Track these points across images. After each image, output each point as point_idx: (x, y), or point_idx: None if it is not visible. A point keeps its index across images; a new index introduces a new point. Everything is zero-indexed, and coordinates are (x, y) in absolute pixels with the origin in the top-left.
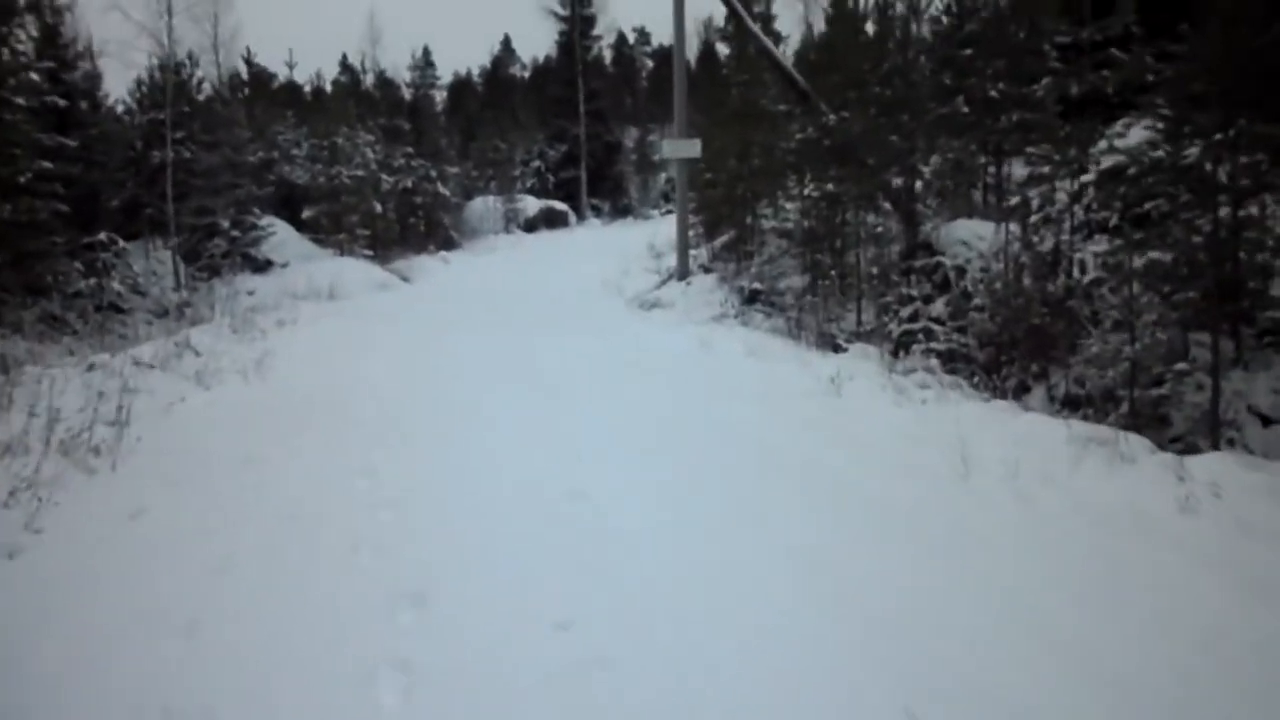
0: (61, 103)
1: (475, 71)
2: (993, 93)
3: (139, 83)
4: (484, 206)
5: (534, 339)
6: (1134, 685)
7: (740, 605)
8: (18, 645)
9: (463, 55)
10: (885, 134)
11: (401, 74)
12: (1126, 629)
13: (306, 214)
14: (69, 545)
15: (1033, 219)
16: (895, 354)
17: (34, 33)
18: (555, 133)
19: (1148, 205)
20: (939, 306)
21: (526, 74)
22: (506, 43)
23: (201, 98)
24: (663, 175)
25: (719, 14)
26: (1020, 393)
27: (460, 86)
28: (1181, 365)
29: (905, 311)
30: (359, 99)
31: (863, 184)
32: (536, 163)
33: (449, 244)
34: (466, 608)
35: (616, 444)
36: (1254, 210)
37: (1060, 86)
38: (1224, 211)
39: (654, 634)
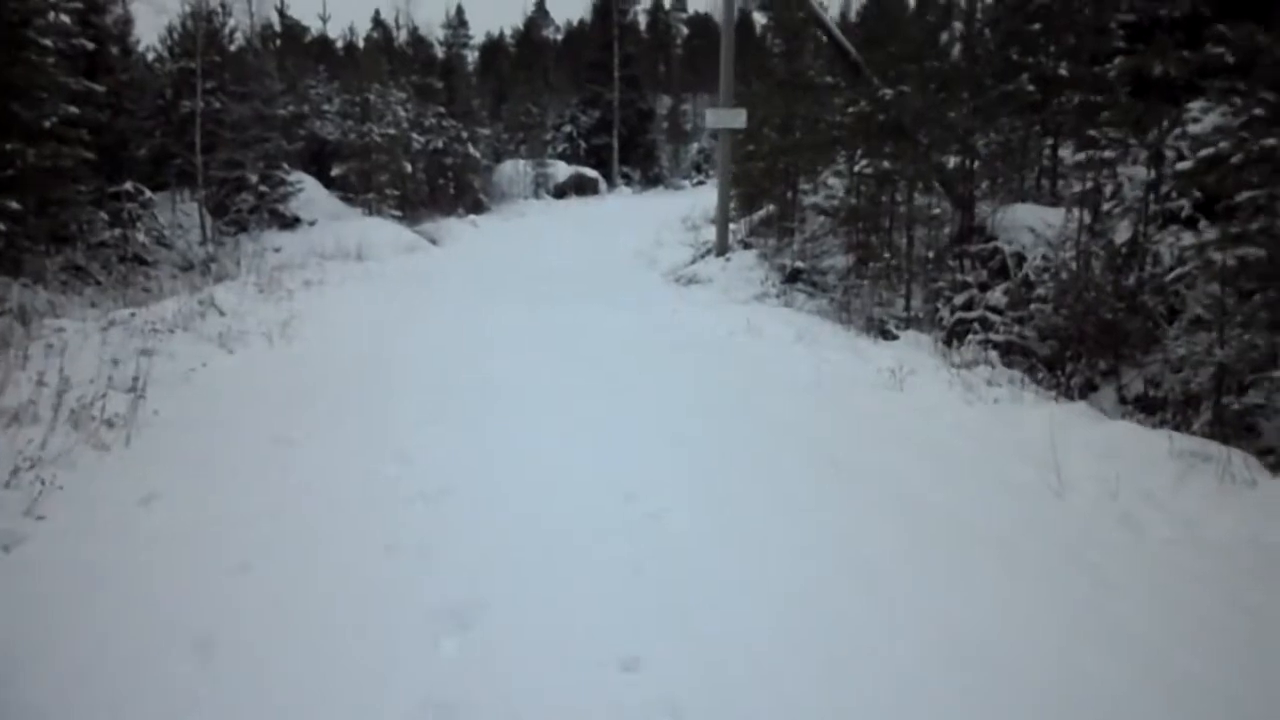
0: (90, 46)
1: (508, 32)
2: (1062, 70)
3: (170, 30)
4: (514, 170)
5: (570, 313)
6: None
7: (819, 644)
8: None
9: (495, 16)
10: (944, 111)
11: (435, 32)
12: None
13: (336, 171)
14: (73, 537)
15: (1106, 206)
16: (948, 343)
17: None
18: (588, 98)
19: (1241, 196)
20: (997, 295)
21: (559, 37)
22: (540, 4)
23: (233, 48)
24: (694, 145)
25: None
26: (1087, 391)
27: (492, 47)
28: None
29: (959, 299)
30: (391, 56)
31: (919, 162)
32: (568, 128)
33: (478, 207)
34: (517, 637)
35: (667, 441)
36: None
37: (1140, 64)
38: None
39: (728, 675)
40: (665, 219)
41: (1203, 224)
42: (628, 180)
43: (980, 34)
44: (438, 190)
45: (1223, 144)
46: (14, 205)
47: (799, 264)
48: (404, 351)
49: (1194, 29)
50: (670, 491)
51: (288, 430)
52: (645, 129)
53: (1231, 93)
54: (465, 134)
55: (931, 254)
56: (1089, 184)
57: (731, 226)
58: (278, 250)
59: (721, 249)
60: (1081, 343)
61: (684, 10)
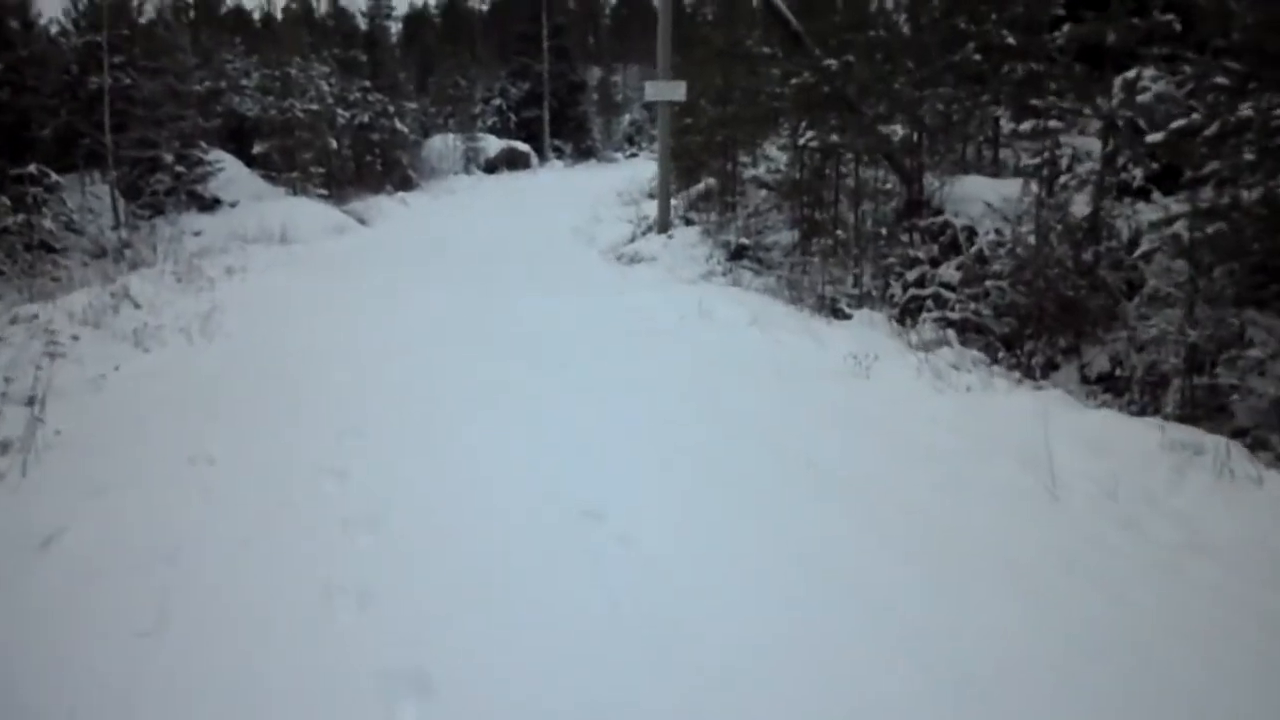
0: None
1: (432, 3)
2: (1010, 40)
3: (74, 1)
4: (443, 145)
5: (511, 297)
6: None
7: (811, 673)
8: None
9: None
10: (890, 81)
11: (356, 3)
12: None
13: (257, 149)
14: None
15: (1063, 178)
16: (901, 321)
17: None
18: (517, 69)
19: (1208, 168)
20: (950, 271)
21: (485, 7)
22: None
23: (143, 21)
24: (626, 117)
25: None
26: (1048, 370)
27: (417, 18)
28: (1255, 352)
29: (911, 275)
30: (312, 28)
31: (865, 135)
32: (498, 100)
33: (407, 184)
34: (483, 707)
35: (625, 445)
36: None
37: (1090, 32)
38: None
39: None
40: (600, 193)
41: (1157, 196)
42: (560, 154)
43: (926, 2)
44: (365, 167)
45: (1195, 115)
46: None
47: (744, 240)
48: (334, 347)
49: None
50: (635, 506)
51: (207, 445)
52: (576, 101)
53: (1175, 59)
54: (391, 108)
55: (884, 230)
56: (1043, 156)
57: (672, 202)
58: (197, 234)
59: (663, 226)
60: (1041, 320)
61: None
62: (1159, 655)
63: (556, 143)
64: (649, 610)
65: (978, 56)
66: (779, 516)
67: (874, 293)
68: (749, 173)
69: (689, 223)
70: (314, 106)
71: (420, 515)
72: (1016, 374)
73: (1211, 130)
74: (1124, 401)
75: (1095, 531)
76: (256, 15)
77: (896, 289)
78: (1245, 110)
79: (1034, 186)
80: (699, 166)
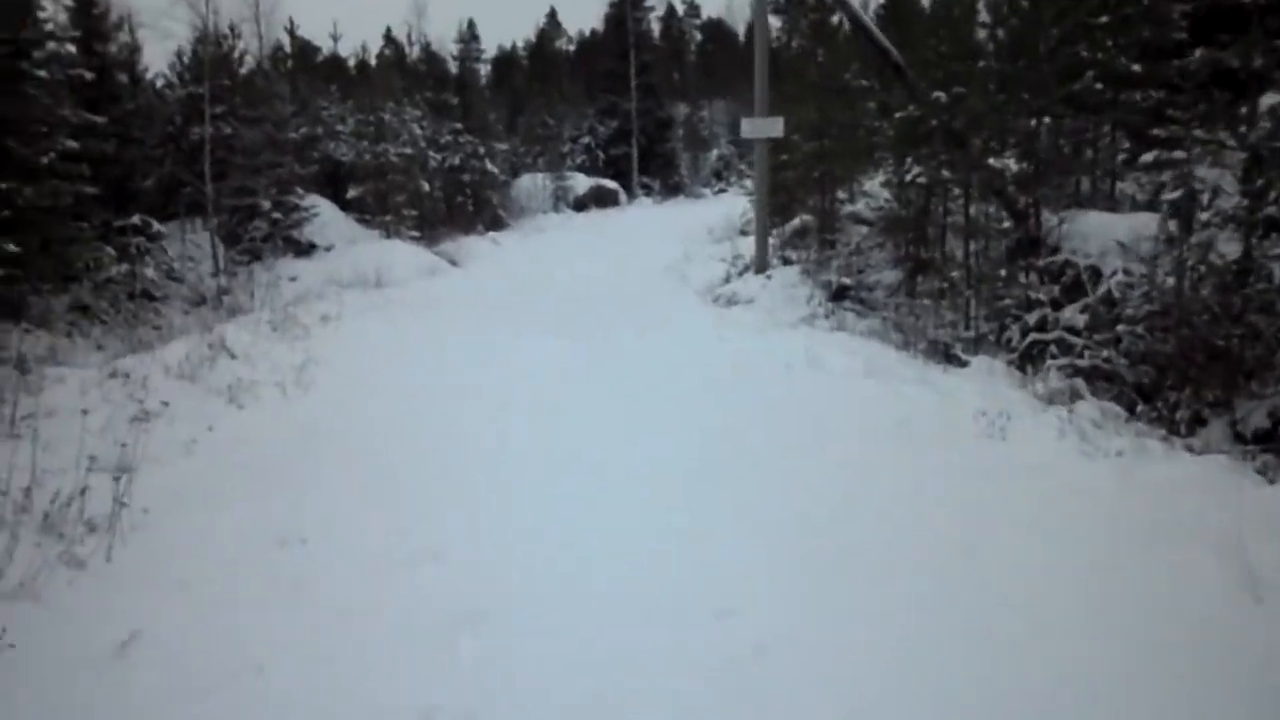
0: (88, 76)
1: (520, 45)
2: (1135, 67)
3: (179, 55)
4: (532, 184)
5: (611, 343)
6: None
7: None
8: None
9: (507, 28)
10: (1005, 113)
11: (447, 47)
12: None
13: (351, 193)
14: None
15: (1203, 215)
16: (1022, 368)
17: (65, 1)
18: (605, 107)
19: None
20: (1074, 314)
21: (572, 48)
22: (552, 15)
23: (243, 71)
24: (713, 152)
25: None
26: (1195, 426)
27: (505, 60)
28: None
29: (1032, 318)
30: (404, 72)
31: (977, 169)
32: (586, 139)
33: (497, 223)
34: None
35: (759, 538)
36: None
37: (1223, 57)
38: None
39: None
40: (690, 230)
41: None
42: (648, 190)
43: (1045, 30)
44: (456, 208)
45: None
46: (12, 248)
47: (845, 280)
48: (429, 403)
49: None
50: (769, 605)
51: (298, 523)
52: (664, 137)
53: None
54: (482, 149)
55: (1003, 271)
56: (1178, 190)
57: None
58: (293, 279)
59: (761, 266)
60: (1187, 371)
61: (697, 16)
62: None
63: (644, 179)
64: None
65: (1099, 85)
66: (929, 613)
67: (990, 336)
68: (847, 209)
69: (787, 261)
70: (407, 150)
71: (530, 618)
72: (1161, 430)
73: None
74: None
75: None
76: (352, 62)
77: (1014, 333)
78: None
79: (1171, 224)
80: (793, 203)
